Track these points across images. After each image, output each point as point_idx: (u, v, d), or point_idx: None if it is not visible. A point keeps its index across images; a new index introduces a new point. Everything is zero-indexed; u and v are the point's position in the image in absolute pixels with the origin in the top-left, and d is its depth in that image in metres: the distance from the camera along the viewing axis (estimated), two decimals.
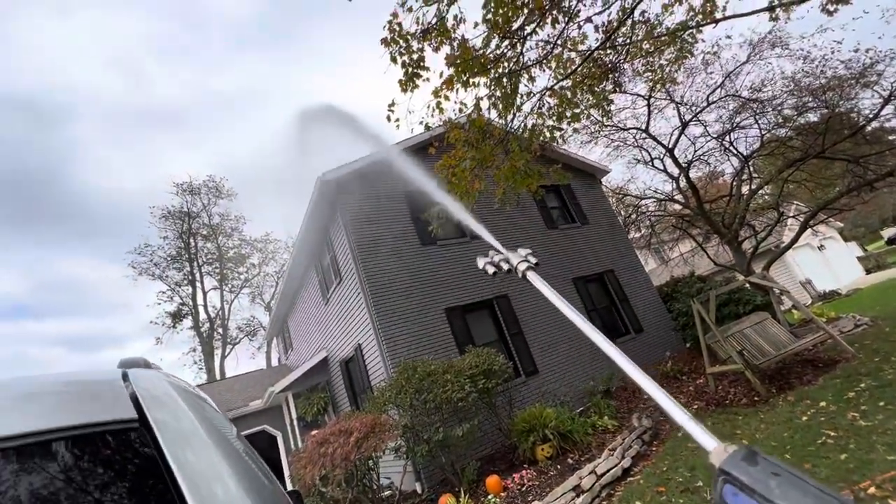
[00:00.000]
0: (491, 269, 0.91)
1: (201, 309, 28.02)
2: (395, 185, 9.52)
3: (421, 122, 5.75)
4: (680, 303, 10.53)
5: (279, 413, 12.62)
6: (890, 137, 11.22)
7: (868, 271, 22.02)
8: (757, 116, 11.35)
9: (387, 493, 6.96)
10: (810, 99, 10.36)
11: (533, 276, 0.75)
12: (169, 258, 26.94)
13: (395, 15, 5.07)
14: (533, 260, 0.80)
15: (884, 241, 35.87)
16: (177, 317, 26.96)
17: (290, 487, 6.63)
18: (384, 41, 5.22)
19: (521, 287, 9.63)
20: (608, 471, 5.32)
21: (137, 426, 0.60)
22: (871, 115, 9.90)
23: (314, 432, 6.24)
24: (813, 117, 10.91)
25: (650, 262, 23.70)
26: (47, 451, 0.58)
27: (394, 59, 5.33)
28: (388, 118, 5.55)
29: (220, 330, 28.79)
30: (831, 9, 5.29)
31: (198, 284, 28.08)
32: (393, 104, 5.52)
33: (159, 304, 26.72)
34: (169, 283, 27.09)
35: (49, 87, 38.16)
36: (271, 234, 31.13)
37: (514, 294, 9.44)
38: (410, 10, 4.95)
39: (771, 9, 5.60)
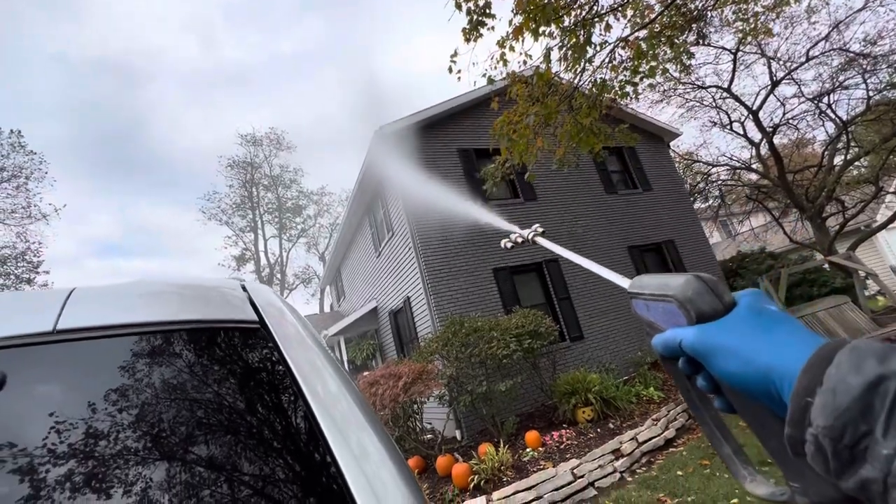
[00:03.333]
0: (509, 245, 1.06)
1: (262, 255, 30.04)
2: (450, 141, 9.41)
3: (484, 75, 5.55)
4: (746, 280, 9.88)
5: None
6: None
7: None
8: (866, 74, 9.88)
9: (428, 436, 7.40)
10: None
11: (540, 239, 0.87)
12: (234, 206, 28.77)
13: None
14: (540, 229, 0.92)
15: None
16: (241, 260, 29.13)
17: None
18: None
19: (574, 250, 9.38)
20: (650, 439, 5.30)
21: (258, 327, 0.67)
22: None
23: (365, 373, 6.67)
24: None
25: (715, 235, 22.19)
26: (177, 342, 0.66)
27: (458, 6, 5.11)
28: (450, 69, 5.40)
29: (279, 276, 30.83)
30: None
31: (259, 232, 29.96)
32: (455, 54, 5.34)
33: (226, 248, 28.95)
34: (234, 229, 29.11)
35: (133, 50, 40.64)
36: (327, 186, 32.28)
37: (565, 259, 9.25)
38: None
39: None
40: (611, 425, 6.04)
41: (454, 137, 9.53)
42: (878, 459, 0.25)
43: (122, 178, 44.91)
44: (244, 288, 0.77)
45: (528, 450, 5.59)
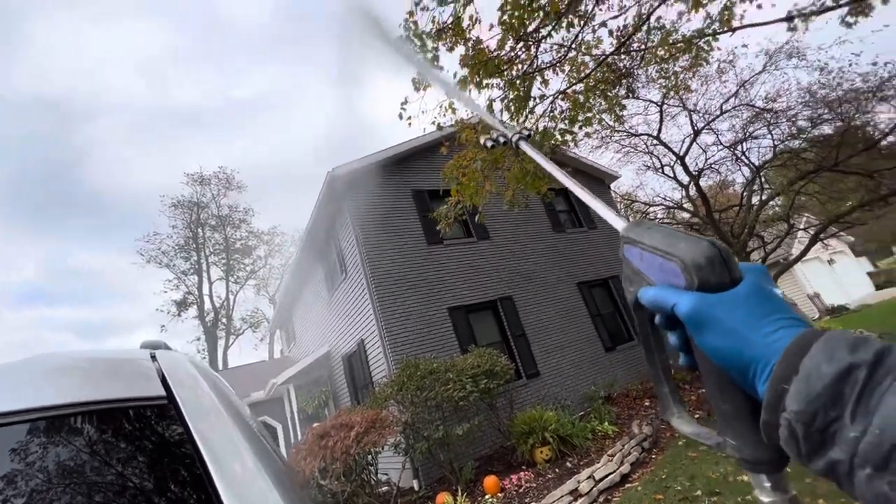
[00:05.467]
0: (490, 143, 1.01)
1: (207, 299, 28.29)
2: (404, 182, 9.57)
3: (433, 122, 5.78)
4: None
5: (280, 405, 12.72)
6: None
7: (878, 287, 21.72)
8: (770, 127, 11.26)
9: (384, 488, 7.00)
10: (826, 111, 10.26)
11: (524, 146, 0.78)
12: (177, 247, 27.22)
13: (410, 13, 5.09)
14: (526, 132, 0.81)
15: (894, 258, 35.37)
16: (182, 305, 27.23)
17: None
18: (399, 40, 5.25)
19: (526, 288, 9.64)
20: (606, 476, 5.31)
21: (166, 403, 0.63)
22: (887, 130, 9.79)
23: (315, 425, 6.29)
24: (828, 129, 10.81)
25: None
26: (79, 424, 0.61)
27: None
28: (401, 116, 5.58)
29: (225, 320, 29.04)
30: (850, 21, 5.23)
31: (204, 274, 28.34)
32: (406, 102, 5.55)
33: (165, 292, 27.03)
34: (175, 272, 27.37)
35: (76, 88, 38.86)
36: (278, 227, 31.42)
37: (518, 296, 9.44)
38: (426, 9, 4.97)
39: (789, 19, 5.56)
40: (568, 464, 6.01)
41: (408, 179, 9.71)
42: (845, 442, 0.27)
43: (55, 220, 41.52)
44: (153, 357, 0.72)
45: (487, 497, 5.42)
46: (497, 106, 5.57)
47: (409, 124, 5.80)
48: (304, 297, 13.43)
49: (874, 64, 9.50)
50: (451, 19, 5.16)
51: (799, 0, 5.21)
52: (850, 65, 9.73)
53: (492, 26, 5.17)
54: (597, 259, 11.33)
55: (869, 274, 23.13)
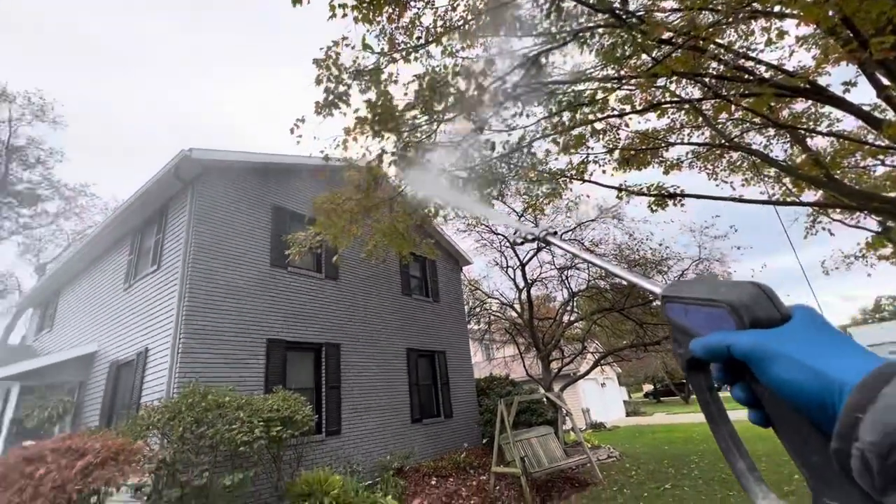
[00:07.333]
0: (519, 240, 1.02)
1: None
2: (266, 193, 8.87)
3: (322, 152, 5.67)
4: (490, 400, 11.43)
5: None
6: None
7: (628, 414, 27.20)
8: (589, 265, 13.94)
9: None
10: (625, 265, 13.20)
11: (553, 240, 0.85)
12: None
13: (336, 43, 5.13)
14: (552, 230, 0.88)
15: (642, 394, 45.32)
16: None
17: None
18: (317, 62, 5.19)
19: (357, 339, 9.41)
20: None
21: None
22: (651, 297, 12.99)
23: (26, 443, 4.75)
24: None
25: (478, 354, 25.57)
26: None
27: (319, 81, 5.29)
28: (293, 130, 5.34)
29: None
30: (654, 208, 7.06)
31: None
32: (303, 120, 5.36)
33: None
34: None
35: None
36: (90, 187, 25.42)
37: (346, 346, 9.14)
38: (352, 47, 5.08)
39: (619, 189, 7.24)
40: None
41: (274, 191, 9.05)
42: None
43: None
44: None
45: None
46: (387, 159, 5.75)
47: (298, 142, 5.58)
48: (88, 278, 10.74)
49: (660, 244, 12.84)
50: (371, 66, 5.34)
51: (628, 179, 6.86)
52: (647, 239, 12.94)
53: (405, 92, 5.50)
54: (433, 331, 11.82)
55: (624, 402, 28.93)
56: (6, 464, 4.11)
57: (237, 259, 7.86)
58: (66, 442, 4.36)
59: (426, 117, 5.69)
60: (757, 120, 7.03)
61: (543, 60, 5.38)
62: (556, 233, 0.89)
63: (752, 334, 0.35)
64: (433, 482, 8.30)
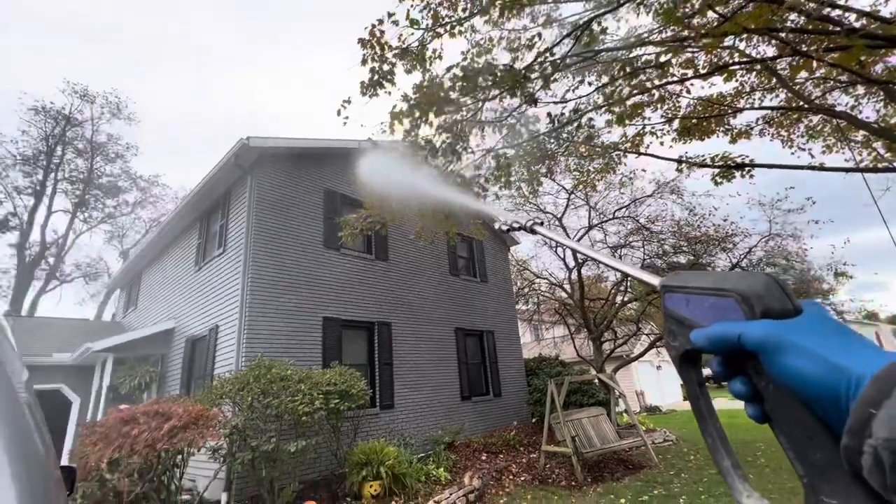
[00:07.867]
0: (505, 227, 1.04)
1: (38, 229, 23.25)
2: (319, 178, 9.19)
3: (371, 137, 5.75)
4: (539, 379, 11.38)
5: (88, 375, 10.65)
6: None
7: (685, 398, 26.11)
8: (644, 242, 13.27)
9: (185, 496, 6.12)
10: (685, 244, 12.44)
11: (540, 229, 0.85)
12: (20, 157, 22.22)
13: (380, 21, 5.11)
14: (539, 220, 0.89)
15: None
16: (1, 226, 21.96)
17: (65, 462, 5.43)
18: (362, 41, 5.21)
19: (407, 319, 9.66)
20: None
21: None
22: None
23: (122, 407, 5.35)
24: (682, 259, 13.07)
25: (527, 334, 25.44)
26: None
27: (364, 62, 5.33)
28: (339, 112, 5.45)
29: (51, 259, 24.03)
30: (718, 181, 6.55)
31: (45, 199, 23.40)
32: (349, 101, 5.45)
33: None
34: (5, 185, 22.18)
35: None
36: (162, 177, 27.59)
37: (397, 325, 9.41)
38: (396, 23, 5.04)
39: (679, 161, 6.77)
40: (394, 502, 5.91)
41: (325, 176, 9.35)
42: None
43: None
44: None
45: None
46: (436, 140, 5.73)
47: (345, 124, 5.67)
48: (164, 261, 11.76)
49: (724, 220, 11.92)
50: (417, 44, 5.29)
51: (689, 150, 6.38)
52: (709, 214, 12.07)
53: (450, 69, 5.41)
54: (480, 311, 11.88)
55: (681, 386, 27.73)
56: (107, 424, 4.68)
57: (293, 241, 8.26)
58: (154, 406, 4.88)
59: (471, 95, 5.58)
60: (843, 77, 6.24)
61: (595, 27, 5.07)
62: (542, 223, 0.89)
63: (764, 324, 0.34)
64: (483, 458, 8.47)
